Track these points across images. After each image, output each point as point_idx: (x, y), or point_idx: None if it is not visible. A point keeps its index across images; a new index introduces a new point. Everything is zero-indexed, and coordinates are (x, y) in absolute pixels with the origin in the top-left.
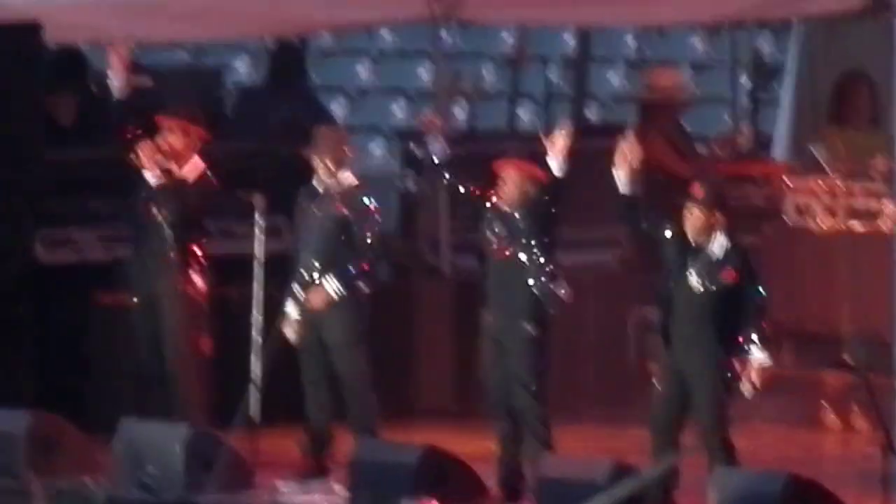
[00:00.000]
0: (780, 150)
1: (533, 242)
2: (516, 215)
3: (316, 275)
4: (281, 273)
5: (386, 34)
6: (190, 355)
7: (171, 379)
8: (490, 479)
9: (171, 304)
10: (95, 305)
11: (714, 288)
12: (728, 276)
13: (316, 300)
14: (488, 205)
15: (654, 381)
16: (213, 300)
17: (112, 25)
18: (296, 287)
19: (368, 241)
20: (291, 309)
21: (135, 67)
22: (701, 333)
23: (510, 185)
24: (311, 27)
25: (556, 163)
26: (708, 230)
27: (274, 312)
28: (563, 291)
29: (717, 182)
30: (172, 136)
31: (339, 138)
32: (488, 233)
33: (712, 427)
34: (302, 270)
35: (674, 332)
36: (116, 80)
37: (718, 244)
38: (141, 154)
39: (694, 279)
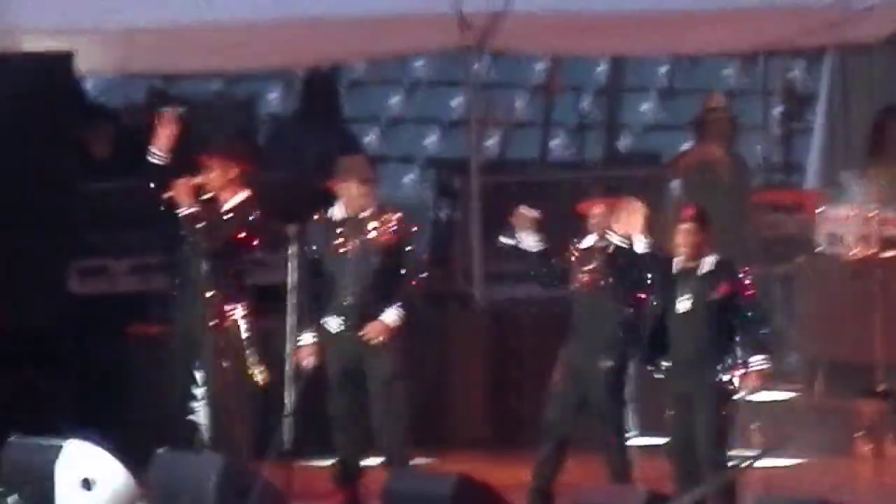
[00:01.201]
0: (812, 178)
1: (620, 282)
2: (606, 251)
3: (359, 306)
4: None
5: (419, 63)
6: (228, 388)
7: (211, 412)
8: None
9: (209, 337)
10: (130, 336)
11: (706, 305)
12: (721, 290)
13: (376, 333)
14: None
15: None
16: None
17: (144, 56)
18: (334, 319)
19: (418, 257)
20: (308, 337)
21: (167, 97)
22: (700, 354)
23: (601, 219)
24: (343, 57)
25: (639, 241)
26: (698, 250)
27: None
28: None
29: (703, 205)
30: (212, 174)
31: (368, 166)
32: (575, 268)
33: (712, 446)
34: (343, 302)
35: (673, 356)
36: (158, 147)
37: (707, 262)
38: (177, 190)
39: (686, 301)
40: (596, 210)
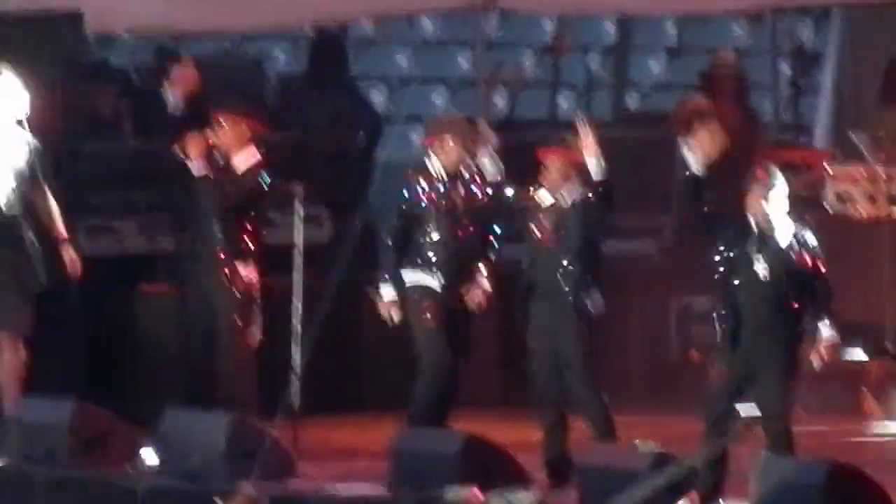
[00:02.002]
0: (820, 137)
1: (577, 236)
2: (562, 206)
3: (451, 263)
4: (321, 262)
5: (427, 23)
6: (240, 347)
7: (222, 370)
8: (533, 467)
9: (221, 297)
10: (138, 295)
11: (785, 273)
12: (800, 260)
13: (475, 297)
14: (533, 194)
15: (710, 369)
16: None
17: (152, 14)
18: (424, 274)
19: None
20: (390, 291)
21: (175, 57)
22: (771, 319)
23: (554, 172)
24: (351, 15)
25: (593, 164)
26: (768, 212)
27: (313, 301)
28: (596, 301)
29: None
30: (223, 130)
31: (467, 125)
32: (532, 223)
33: (778, 414)
34: (437, 260)
35: (740, 319)
36: (175, 96)
37: (786, 228)
38: (188, 146)
39: (762, 265)
40: (551, 160)
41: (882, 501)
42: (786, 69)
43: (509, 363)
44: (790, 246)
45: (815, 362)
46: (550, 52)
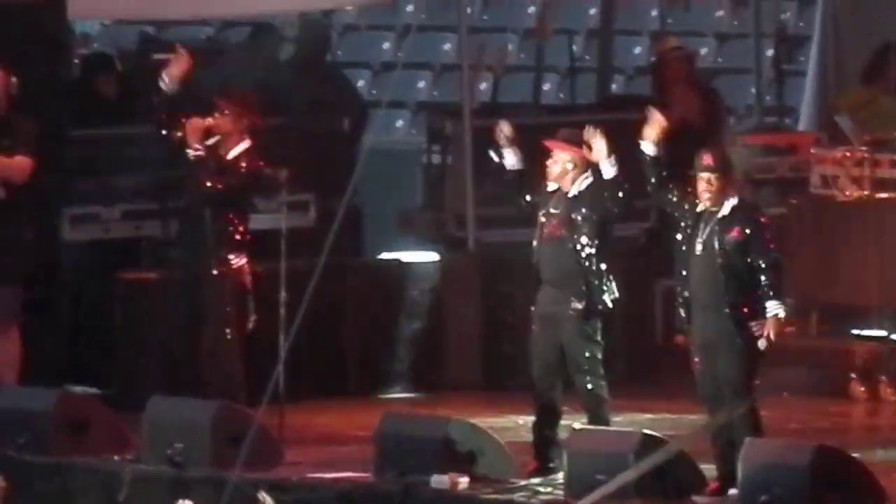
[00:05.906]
0: (805, 120)
1: (586, 226)
2: (569, 197)
3: None
4: (306, 248)
5: (410, 8)
6: (228, 334)
7: (212, 357)
8: (517, 450)
9: (211, 284)
10: (122, 282)
11: (723, 249)
12: (733, 233)
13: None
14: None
15: (692, 356)
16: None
17: (136, 2)
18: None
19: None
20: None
21: (159, 44)
22: (716, 298)
23: (559, 165)
24: (337, 4)
25: (605, 166)
26: (721, 196)
27: (299, 287)
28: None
29: (723, 147)
30: (223, 118)
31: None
32: (541, 212)
33: (736, 393)
34: None
35: (693, 300)
36: (170, 77)
37: (727, 205)
38: (186, 130)
39: (701, 244)
40: (556, 153)
41: (867, 483)
42: (770, 53)
43: (492, 347)
44: (727, 220)
45: (762, 343)
46: (533, 36)
